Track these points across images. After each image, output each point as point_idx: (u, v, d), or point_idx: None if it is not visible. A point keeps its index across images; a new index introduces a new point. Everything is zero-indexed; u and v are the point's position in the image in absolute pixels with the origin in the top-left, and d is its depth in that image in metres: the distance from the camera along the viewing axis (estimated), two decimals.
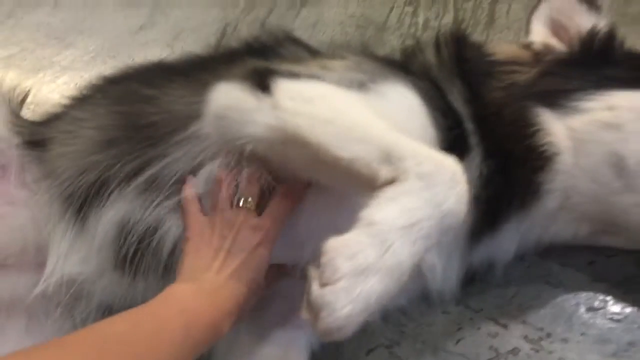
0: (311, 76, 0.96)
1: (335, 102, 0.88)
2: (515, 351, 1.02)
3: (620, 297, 1.04)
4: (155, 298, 0.82)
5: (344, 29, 2.05)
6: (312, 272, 0.70)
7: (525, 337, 1.03)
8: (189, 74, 1.13)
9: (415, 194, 0.73)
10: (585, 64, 1.05)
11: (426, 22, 1.97)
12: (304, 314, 0.70)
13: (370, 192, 0.75)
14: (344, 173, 0.80)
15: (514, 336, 1.04)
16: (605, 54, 1.05)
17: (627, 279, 1.06)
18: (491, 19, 1.86)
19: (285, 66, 1.03)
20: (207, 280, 0.85)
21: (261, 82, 0.92)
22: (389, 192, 0.73)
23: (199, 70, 1.12)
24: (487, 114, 1.02)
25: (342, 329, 0.67)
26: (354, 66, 1.05)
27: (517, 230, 1.03)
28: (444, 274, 1.04)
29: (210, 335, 0.82)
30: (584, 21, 1.11)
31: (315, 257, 0.71)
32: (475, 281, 1.09)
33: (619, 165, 0.95)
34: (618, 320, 1.01)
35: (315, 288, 0.68)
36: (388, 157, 0.77)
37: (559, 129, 0.98)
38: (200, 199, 0.98)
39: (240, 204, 0.93)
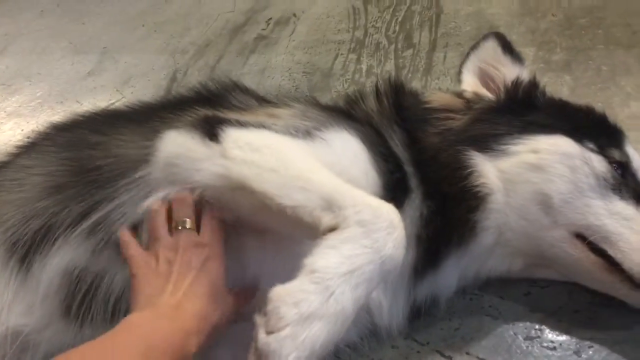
0: (259, 125, 1.01)
1: (280, 151, 0.92)
2: None
3: (554, 326, 1.11)
4: (114, 328, 0.80)
5: (292, 75, 2.13)
6: (258, 320, 0.73)
7: None
8: (138, 120, 1.15)
9: (355, 241, 0.78)
10: (511, 111, 1.14)
11: (369, 68, 2.08)
12: None
13: (314, 238, 0.80)
14: (288, 220, 0.84)
15: None
16: (528, 101, 1.16)
17: (560, 308, 1.14)
18: (429, 66, 1.99)
19: (234, 115, 1.07)
20: (163, 304, 0.85)
21: (210, 131, 0.96)
22: (330, 240, 0.78)
23: (149, 117, 1.14)
24: (425, 158, 1.09)
25: None
26: (299, 114, 1.10)
27: (457, 266, 1.09)
28: (391, 310, 1.08)
29: (175, 356, 0.80)
30: (509, 71, 1.22)
31: (261, 304, 0.74)
32: (421, 315, 1.14)
33: (545, 203, 1.04)
34: (553, 348, 1.08)
35: (261, 336, 0.71)
36: (329, 205, 0.82)
37: (490, 170, 1.05)
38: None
39: (179, 227, 0.94)
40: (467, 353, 1.10)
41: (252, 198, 0.88)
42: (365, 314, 1.06)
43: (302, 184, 0.86)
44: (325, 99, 1.67)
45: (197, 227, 0.95)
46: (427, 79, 1.92)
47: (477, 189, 1.04)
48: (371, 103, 1.21)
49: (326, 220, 0.81)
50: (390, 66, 2.05)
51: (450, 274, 1.10)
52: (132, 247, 0.94)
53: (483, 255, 1.10)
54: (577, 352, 1.06)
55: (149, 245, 0.96)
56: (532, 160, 1.05)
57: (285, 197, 0.84)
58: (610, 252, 1.01)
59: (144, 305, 0.86)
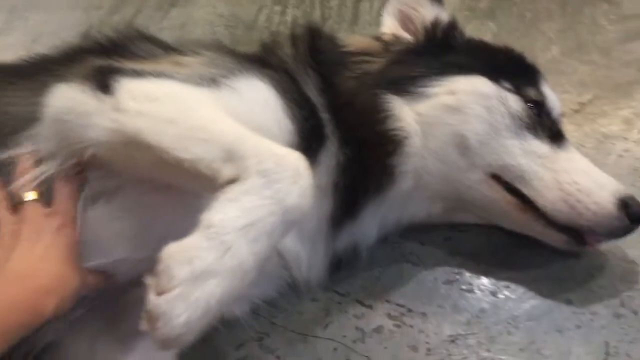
0: (159, 74, 0.92)
1: (180, 101, 0.86)
2: (379, 329, 1.06)
3: (472, 268, 1.11)
4: None
5: (213, 29, 2.03)
6: (149, 281, 0.68)
7: (389, 315, 1.07)
8: (29, 74, 1.05)
9: (255, 192, 0.73)
10: (429, 52, 1.11)
11: (294, 20, 2.00)
12: (143, 325, 0.67)
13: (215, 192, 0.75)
14: (188, 174, 0.78)
15: (378, 315, 1.07)
16: (447, 43, 1.13)
17: (479, 251, 1.14)
18: (355, 16, 1.93)
19: (131, 64, 0.98)
20: (10, 268, 0.81)
21: (103, 82, 0.87)
22: (229, 193, 0.73)
23: (40, 71, 1.04)
24: (341, 103, 1.04)
25: (180, 338, 0.66)
26: (208, 62, 1.03)
27: (377, 214, 1.07)
28: (310, 263, 1.05)
29: (26, 316, 0.77)
30: (428, 12, 1.18)
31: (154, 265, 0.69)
32: (341, 266, 1.11)
33: (462, 145, 1.02)
34: (470, 290, 1.08)
35: (151, 297, 0.66)
36: (230, 156, 0.76)
37: (407, 114, 1.02)
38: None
39: (25, 200, 0.88)
40: (387, 301, 1.09)
41: (148, 153, 0.80)
42: (282, 267, 1.03)
43: (202, 134, 0.79)
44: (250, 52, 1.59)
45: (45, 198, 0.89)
46: (353, 30, 1.87)
47: (394, 132, 1.01)
48: (286, 49, 1.15)
49: (226, 171, 0.75)
50: (316, 17, 1.98)
51: (370, 223, 1.08)
52: None
53: (402, 201, 1.07)
54: (493, 293, 1.07)
55: None
56: (449, 102, 1.03)
57: (183, 150, 0.77)
58: (525, 190, 1.01)
59: None
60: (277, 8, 2.08)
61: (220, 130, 0.80)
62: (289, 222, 0.75)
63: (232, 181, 0.75)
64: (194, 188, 0.84)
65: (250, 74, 1.00)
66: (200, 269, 0.67)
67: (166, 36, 1.97)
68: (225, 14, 2.10)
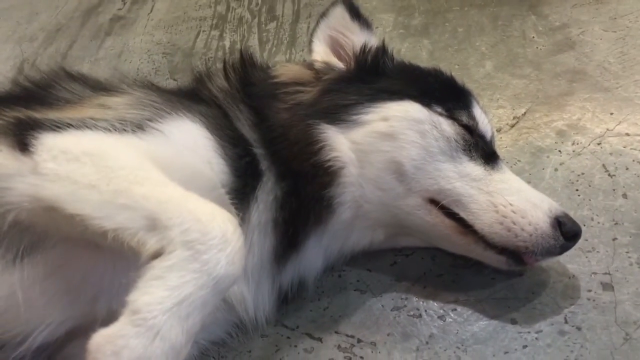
0: (82, 124, 0.87)
1: (101, 159, 0.80)
2: None
3: (419, 293, 1.11)
4: None
5: (151, 57, 1.99)
6: None
7: (339, 347, 1.05)
8: None
9: (182, 266, 0.70)
10: (361, 79, 1.11)
11: (232, 44, 1.98)
12: None
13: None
14: (115, 244, 0.74)
15: (328, 347, 1.06)
16: (377, 68, 1.12)
17: (425, 274, 1.14)
18: (293, 38, 1.93)
19: (54, 113, 0.93)
20: None
21: (21, 139, 0.82)
22: (155, 269, 0.70)
23: None
24: (275, 136, 1.03)
25: None
26: (135, 102, 0.98)
27: (319, 245, 1.06)
28: (256, 302, 1.03)
29: None
30: (358, 38, 1.18)
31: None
32: (288, 300, 1.09)
33: (398, 171, 1.02)
34: (419, 316, 1.07)
35: None
36: (153, 225, 0.73)
37: (342, 142, 1.01)
38: None
39: None
40: (337, 332, 1.08)
41: (71, 221, 0.76)
42: (227, 311, 1.01)
43: (125, 200, 0.75)
44: (188, 80, 1.56)
45: None
46: (291, 51, 1.86)
47: (329, 163, 1.00)
48: (219, 81, 1.13)
49: (151, 243, 0.72)
50: (254, 41, 1.97)
51: (314, 254, 1.06)
52: None
53: (343, 231, 1.06)
54: (441, 317, 1.06)
55: None
56: (382, 129, 1.02)
57: (105, 219, 0.73)
58: (462, 214, 1.01)
59: None
60: (215, 32, 2.06)
61: (144, 193, 0.76)
62: (222, 291, 0.73)
63: (157, 254, 0.71)
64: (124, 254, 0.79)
65: (179, 115, 0.96)
66: None
67: (103, 67, 1.96)
68: (163, 41, 2.07)
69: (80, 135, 0.86)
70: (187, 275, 0.69)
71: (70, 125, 0.87)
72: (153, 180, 0.79)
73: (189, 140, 0.93)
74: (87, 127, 0.87)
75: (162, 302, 0.67)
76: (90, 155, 0.80)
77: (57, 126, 0.86)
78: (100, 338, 0.65)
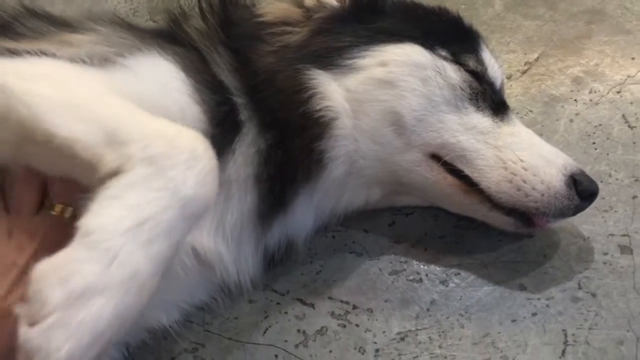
0: (40, 53, 0.80)
1: (60, 80, 0.73)
2: (322, 330, 0.97)
3: (420, 256, 1.03)
4: None
5: None
6: (19, 310, 0.56)
7: (332, 314, 0.98)
8: None
9: (142, 184, 0.61)
10: (357, 19, 0.99)
11: None
12: None
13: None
14: (67, 161, 0.66)
15: (321, 314, 0.99)
16: (375, 6, 1.01)
17: (426, 235, 1.05)
18: None
19: (6, 44, 0.85)
20: None
21: None
22: (111, 189, 0.61)
23: None
24: (259, 82, 0.92)
25: None
26: (101, 40, 0.90)
27: (310, 204, 0.97)
28: (238, 263, 0.94)
29: None
30: None
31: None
32: (276, 263, 1.01)
33: (397, 123, 0.92)
34: (418, 281, 1.00)
35: (23, 330, 0.55)
36: (111, 140, 0.64)
37: (335, 90, 0.91)
38: None
39: (54, 211, 0.75)
40: (330, 298, 1.01)
41: (20, 130, 0.68)
42: (207, 272, 0.92)
43: (82, 113, 0.67)
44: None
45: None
46: None
47: (320, 113, 0.90)
48: (195, 21, 1.01)
49: (108, 160, 0.63)
50: None
51: (303, 214, 0.97)
52: None
53: (336, 188, 0.97)
54: (443, 282, 0.99)
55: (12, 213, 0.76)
56: (380, 75, 0.92)
57: (60, 126, 0.66)
58: (467, 171, 0.91)
59: None
60: None
61: (101, 108, 0.69)
62: (191, 216, 0.64)
63: (115, 172, 0.63)
64: (77, 177, 0.71)
65: (151, 52, 0.87)
66: (81, 287, 0.56)
67: (75, 8, 1.82)
68: None
69: (37, 60, 0.78)
70: (149, 194, 0.61)
71: (27, 52, 0.79)
72: (115, 103, 0.71)
73: (161, 80, 0.84)
74: (47, 55, 0.80)
75: (119, 223, 0.59)
76: (47, 76, 0.73)
77: (11, 53, 0.79)
78: (45, 265, 0.57)
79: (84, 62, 0.81)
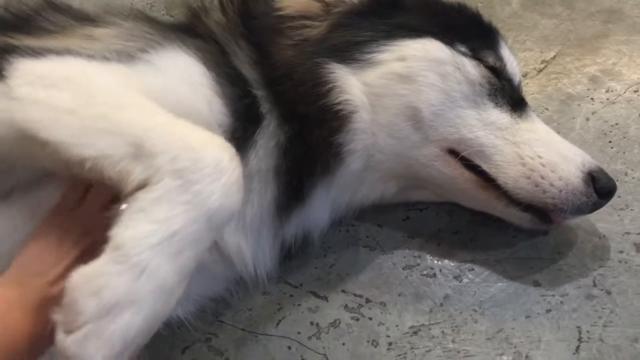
0: (63, 51, 0.80)
1: (82, 85, 0.73)
2: (335, 323, 0.98)
3: (434, 251, 1.03)
4: None
5: None
6: (56, 317, 0.59)
7: (345, 307, 0.99)
8: None
9: (170, 198, 0.62)
10: (376, 14, 0.99)
11: None
12: None
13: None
14: (94, 175, 0.67)
15: (334, 307, 0.99)
16: (394, 1, 1.00)
17: (440, 230, 1.06)
18: None
19: (31, 41, 0.85)
20: (34, 289, 0.69)
21: None
22: (140, 201, 0.62)
23: None
24: (278, 76, 0.92)
25: None
26: (124, 34, 0.89)
27: (326, 197, 0.97)
28: (256, 256, 0.95)
29: (23, 355, 0.67)
30: None
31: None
32: (292, 256, 1.02)
33: (415, 118, 0.92)
34: (432, 276, 1.00)
35: (60, 337, 0.58)
36: (139, 153, 0.64)
37: (354, 84, 0.91)
38: None
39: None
40: (343, 291, 1.01)
41: (47, 150, 0.68)
42: (225, 265, 0.93)
43: (105, 125, 0.67)
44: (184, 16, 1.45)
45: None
46: None
47: (339, 107, 0.90)
48: (216, 15, 1.02)
49: (136, 173, 0.64)
50: None
51: (320, 207, 0.98)
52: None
53: (353, 182, 0.97)
54: (457, 277, 0.99)
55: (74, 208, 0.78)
56: (399, 70, 0.92)
57: (84, 146, 0.66)
58: (485, 167, 0.91)
59: (14, 278, 0.71)
60: None
61: (128, 118, 0.69)
62: (216, 227, 0.65)
63: (144, 185, 0.64)
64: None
65: (173, 47, 0.87)
66: (112, 300, 0.58)
67: (94, 1, 1.83)
68: None
69: (60, 61, 0.78)
70: (176, 207, 0.62)
71: (51, 51, 0.79)
72: (138, 106, 0.71)
73: (185, 75, 0.84)
74: (69, 53, 0.79)
75: (148, 237, 0.60)
76: (69, 81, 0.73)
77: (35, 52, 0.78)
78: (79, 277, 0.59)
79: (108, 58, 0.81)
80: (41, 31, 0.93)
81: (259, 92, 0.91)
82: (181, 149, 0.65)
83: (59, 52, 0.80)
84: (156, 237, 0.60)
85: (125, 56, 0.82)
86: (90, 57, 0.80)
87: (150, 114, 0.71)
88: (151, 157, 0.64)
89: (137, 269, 0.59)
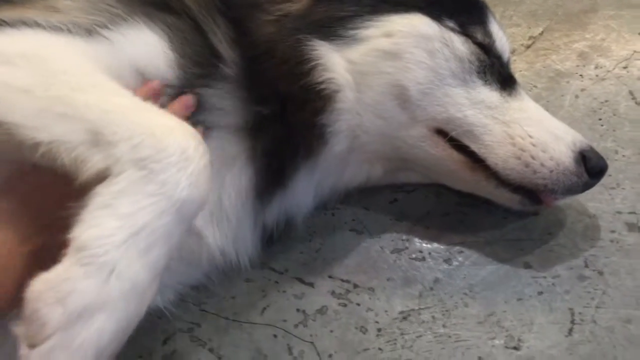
0: (20, 24, 0.75)
1: (39, 62, 0.68)
2: (322, 310, 0.95)
3: (422, 234, 1.01)
4: None
5: None
6: (17, 330, 0.53)
7: (332, 293, 0.96)
8: None
9: (135, 190, 0.58)
10: None
11: None
12: None
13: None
14: (47, 160, 0.62)
15: (320, 293, 0.96)
16: None
17: (429, 213, 1.03)
18: None
19: None
20: None
21: None
22: (101, 196, 0.57)
23: None
24: (258, 54, 0.88)
25: None
26: (89, 6, 0.84)
27: (310, 180, 0.94)
28: (236, 243, 0.92)
29: None
30: None
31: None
32: (274, 241, 0.99)
33: (401, 97, 0.89)
34: (421, 259, 0.97)
35: (23, 353, 0.52)
36: (97, 140, 0.60)
37: (337, 62, 0.88)
38: None
39: None
40: (330, 276, 0.98)
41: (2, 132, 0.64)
42: (203, 250, 0.89)
43: (63, 108, 0.62)
44: None
45: None
46: None
47: (322, 86, 0.86)
48: None
49: (94, 161, 0.60)
50: None
51: (304, 191, 0.95)
52: None
53: (337, 164, 0.94)
54: (447, 260, 0.97)
55: None
56: (385, 46, 0.88)
57: (38, 129, 0.61)
58: (474, 147, 0.89)
59: None
60: None
61: (87, 101, 0.64)
62: (187, 218, 0.61)
63: (103, 175, 0.59)
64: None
65: (136, 22, 0.82)
66: (80, 306, 0.53)
67: None
68: None
69: (17, 35, 0.73)
70: (142, 200, 0.58)
71: (5, 23, 0.74)
72: (100, 87, 0.67)
73: (148, 54, 0.80)
74: (27, 26, 0.75)
75: (114, 234, 0.55)
76: (26, 57, 0.68)
77: None
78: (40, 284, 0.54)
79: (69, 31, 0.76)
80: (2, 2, 0.88)
81: (235, 71, 0.87)
82: (143, 135, 0.60)
83: (15, 24, 0.75)
84: (123, 234, 0.56)
85: (86, 31, 0.77)
86: (51, 29, 0.75)
87: (112, 97, 0.66)
88: (111, 145, 0.60)
89: (105, 269, 0.54)
